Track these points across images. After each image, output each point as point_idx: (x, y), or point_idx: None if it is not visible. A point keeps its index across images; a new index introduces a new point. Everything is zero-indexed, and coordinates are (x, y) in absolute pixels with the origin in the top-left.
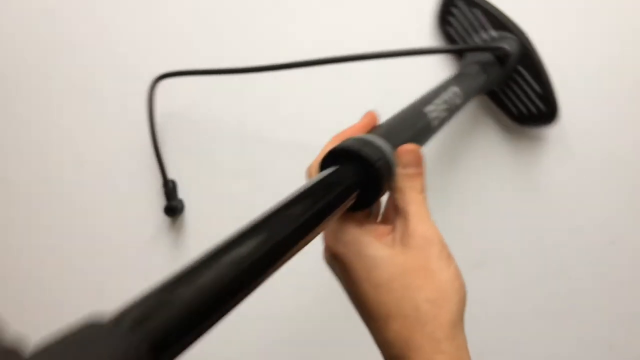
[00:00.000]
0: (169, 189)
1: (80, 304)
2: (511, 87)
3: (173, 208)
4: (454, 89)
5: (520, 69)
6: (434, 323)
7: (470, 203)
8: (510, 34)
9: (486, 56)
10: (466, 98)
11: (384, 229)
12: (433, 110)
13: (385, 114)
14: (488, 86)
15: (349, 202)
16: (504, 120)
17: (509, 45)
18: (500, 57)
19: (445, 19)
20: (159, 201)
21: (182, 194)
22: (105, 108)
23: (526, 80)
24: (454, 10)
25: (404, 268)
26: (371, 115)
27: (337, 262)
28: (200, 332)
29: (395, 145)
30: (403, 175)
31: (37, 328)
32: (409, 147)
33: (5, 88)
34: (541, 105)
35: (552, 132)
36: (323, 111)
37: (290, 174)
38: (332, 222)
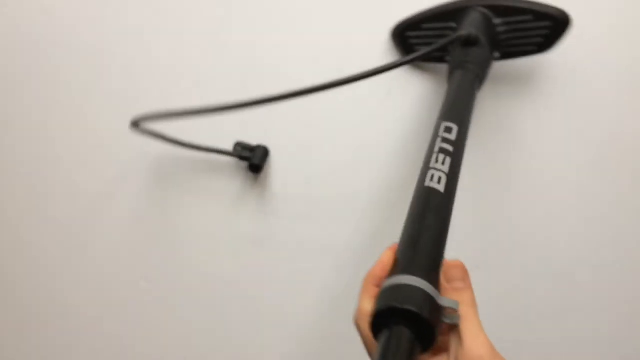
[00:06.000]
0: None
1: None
2: (510, 39)
3: (257, 165)
4: (445, 125)
5: (498, 22)
6: None
7: None
8: (465, 13)
9: (459, 53)
10: (467, 113)
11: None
12: (434, 174)
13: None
14: (485, 71)
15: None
16: None
17: (470, 23)
18: (471, 40)
19: (408, 50)
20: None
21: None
22: None
23: (516, 22)
24: (411, 40)
25: None
26: (393, 249)
27: None
28: None
29: (431, 266)
30: (451, 291)
31: None
32: (453, 262)
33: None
34: (548, 23)
35: None
36: None
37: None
38: None
